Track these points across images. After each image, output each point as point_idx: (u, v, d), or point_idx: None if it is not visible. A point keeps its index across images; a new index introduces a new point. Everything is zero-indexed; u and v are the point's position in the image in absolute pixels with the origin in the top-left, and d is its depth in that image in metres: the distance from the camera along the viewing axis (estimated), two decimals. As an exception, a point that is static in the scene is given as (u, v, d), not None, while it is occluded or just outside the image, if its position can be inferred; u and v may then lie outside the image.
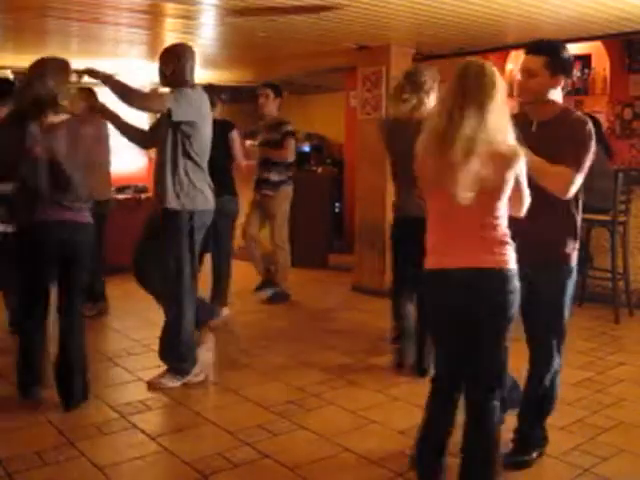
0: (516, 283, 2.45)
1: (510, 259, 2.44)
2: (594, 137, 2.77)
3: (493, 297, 2.44)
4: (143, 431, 3.35)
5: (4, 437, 3.26)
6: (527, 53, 2.86)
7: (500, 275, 2.43)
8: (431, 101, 3.98)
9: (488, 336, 2.48)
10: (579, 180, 2.73)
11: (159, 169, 3.88)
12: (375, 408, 3.63)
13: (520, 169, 2.40)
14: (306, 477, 2.88)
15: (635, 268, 5.64)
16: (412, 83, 3.94)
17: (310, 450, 3.14)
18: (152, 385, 3.94)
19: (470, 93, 2.36)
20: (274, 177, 5.89)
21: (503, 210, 2.44)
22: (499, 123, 2.37)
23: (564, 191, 2.73)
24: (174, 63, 3.87)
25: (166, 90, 3.91)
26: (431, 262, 2.52)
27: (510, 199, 2.44)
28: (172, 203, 3.81)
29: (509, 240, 2.46)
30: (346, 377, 4.12)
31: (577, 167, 2.71)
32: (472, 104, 2.34)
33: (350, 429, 3.38)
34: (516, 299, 2.46)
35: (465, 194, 2.34)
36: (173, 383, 3.93)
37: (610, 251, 5.35)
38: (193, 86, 3.95)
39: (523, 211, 2.51)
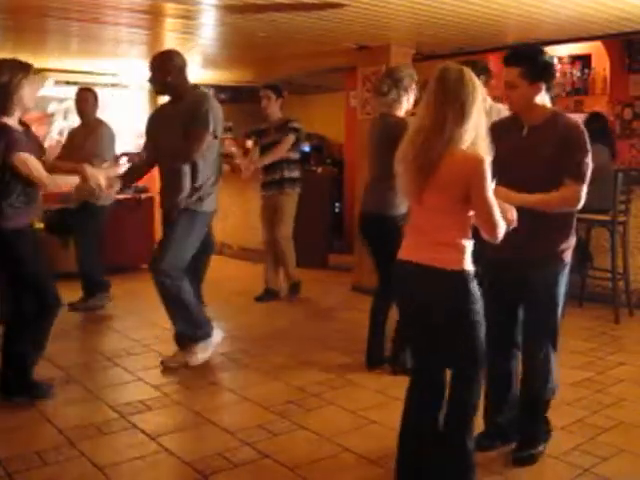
0: (469, 285, 2.46)
1: (462, 262, 2.46)
2: (588, 142, 2.79)
3: (441, 292, 2.49)
4: (143, 431, 3.35)
5: (4, 437, 3.27)
6: (505, 65, 2.87)
7: (448, 275, 2.46)
8: (409, 100, 4.08)
9: (445, 332, 2.53)
10: (585, 189, 2.78)
11: (176, 173, 3.92)
12: (375, 408, 3.63)
13: (481, 178, 2.36)
14: (306, 477, 2.88)
15: (635, 268, 5.63)
16: (391, 78, 4.05)
17: (310, 450, 3.14)
18: (190, 362, 4.13)
19: (450, 96, 2.38)
20: (285, 174, 5.93)
21: (461, 213, 2.45)
22: (477, 129, 2.40)
23: (576, 206, 2.83)
24: (171, 69, 3.89)
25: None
26: (400, 253, 2.61)
27: (475, 216, 2.45)
28: (192, 205, 3.95)
29: (465, 244, 2.47)
30: (346, 377, 4.12)
31: (582, 179, 2.77)
32: (452, 107, 2.38)
33: (350, 429, 3.38)
34: (469, 299, 2.47)
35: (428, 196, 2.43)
36: (204, 353, 4.12)
37: (610, 251, 5.35)
38: (193, 88, 3.96)
39: (497, 234, 2.43)
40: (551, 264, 2.90)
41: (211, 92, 10.89)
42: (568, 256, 2.92)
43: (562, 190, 2.77)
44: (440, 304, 2.50)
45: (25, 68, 3.49)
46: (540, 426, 3.06)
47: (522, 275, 2.91)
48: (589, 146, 2.79)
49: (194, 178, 3.92)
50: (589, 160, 2.78)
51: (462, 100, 2.37)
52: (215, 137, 3.89)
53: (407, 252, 2.58)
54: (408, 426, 2.67)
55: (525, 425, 3.05)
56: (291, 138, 5.85)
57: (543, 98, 2.86)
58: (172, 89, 3.95)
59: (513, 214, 2.55)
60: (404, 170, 2.52)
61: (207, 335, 4.17)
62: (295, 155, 6.01)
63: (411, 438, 2.66)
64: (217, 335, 4.28)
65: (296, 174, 6.01)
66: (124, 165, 4.33)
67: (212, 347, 4.23)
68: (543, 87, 2.82)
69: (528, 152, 2.82)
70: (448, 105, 2.38)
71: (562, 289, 2.93)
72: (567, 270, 2.94)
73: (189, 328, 4.15)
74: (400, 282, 2.63)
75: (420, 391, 2.66)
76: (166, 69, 3.89)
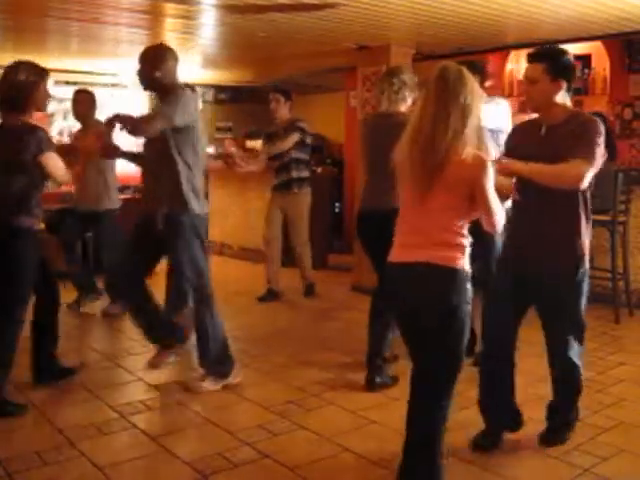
0: (466, 285, 2.47)
1: (462, 261, 2.46)
2: (603, 136, 2.80)
3: (439, 292, 2.46)
4: (143, 431, 3.35)
5: (4, 437, 3.26)
6: (528, 62, 2.92)
7: (449, 273, 2.44)
8: (411, 100, 4.07)
9: (437, 334, 2.51)
10: (590, 172, 2.75)
11: (159, 175, 3.78)
12: (375, 408, 3.63)
13: (486, 177, 2.39)
14: (306, 477, 2.88)
15: (635, 268, 5.63)
16: (398, 78, 4.04)
17: (310, 450, 3.14)
18: (192, 389, 3.87)
19: (452, 95, 2.39)
20: (294, 175, 6.01)
21: (466, 213, 2.46)
22: (478, 127, 2.43)
23: (576, 182, 2.75)
24: (161, 64, 3.76)
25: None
26: (393, 255, 2.58)
27: (477, 210, 2.46)
28: (185, 211, 3.75)
29: (466, 244, 2.48)
30: (346, 377, 4.12)
31: (589, 159, 2.74)
32: (454, 106, 2.39)
33: (350, 429, 3.38)
34: (465, 299, 2.46)
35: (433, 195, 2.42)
36: (215, 387, 3.89)
37: (610, 251, 5.35)
38: (181, 87, 3.87)
39: (497, 226, 2.46)
40: (571, 269, 2.91)
41: (211, 92, 10.91)
42: (586, 261, 2.93)
43: (568, 163, 2.74)
44: (437, 305, 2.48)
45: (42, 71, 3.57)
46: (574, 413, 3.18)
47: (543, 276, 2.93)
48: (602, 136, 2.79)
49: (178, 179, 3.72)
50: (600, 151, 2.77)
51: (464, 98, 2.38)
52: (176, 128, 3.66)
53: (404, 254, 2.54)
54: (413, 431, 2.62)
55: (559, 411, 3.16)
56: (295, 136, 5.91)
57: (564, 98, 2.89)
58: (160, 86, 3.80)
59: (512, 185, 2.71)
60: (406, 171, 2.52)
61: (225, 375, 3.94)
62: (303, 155, 6.08)
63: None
64: (235, 377, 3.99)
65: (305, 174, 6.11)
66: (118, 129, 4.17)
67: (223, 383, 3.94)
68: (564, 86, 2.85)
69: (547, 150, 2.82)
70: (450, 104, 2.38)
71: (585, 290, 2.96)
72: (587, 274, 2.96)
73: (210, 362, 3.93)
74: (397, 284, 2.60)
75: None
76: (155, 64, 3.75)
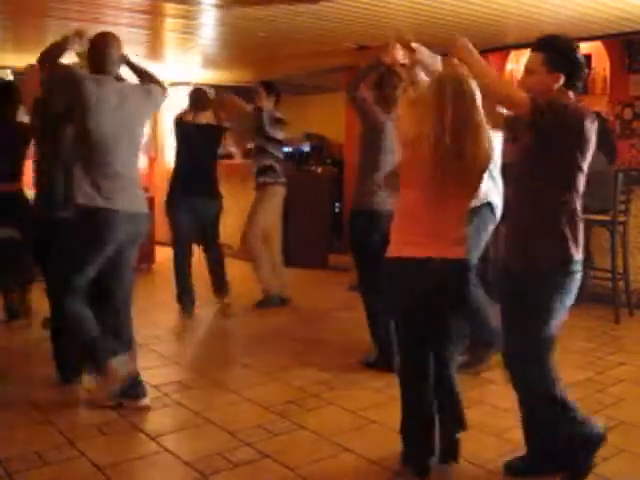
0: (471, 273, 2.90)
1: (466, 252, 2.81)
2: (590, 125, 2.62)
3: (459, 280, 2.76)
4: (143, 431, 3.35)
5: (4, 437, 3.26)
6: (530, 51, 2.81)
7: (466, 264, 2.78)
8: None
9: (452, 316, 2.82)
10: (527, 111, 2.50)
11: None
12: (375, 408, 3.63)
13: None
14: (306, 477, 2.88)
15: (635, 268, 5.64)
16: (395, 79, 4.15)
17: (310, 450, 3.14)
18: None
19: (470, 100, 2.59)
20: (257, 164, 5.88)
21: (469, 207, 2.83)
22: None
23: (495, 94, 2.60)
24: (96, 52, 3.64)
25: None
26: (396, 250, 2.73)
27: None
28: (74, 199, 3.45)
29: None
30: (346, 377, 4.12)
31: (537, 105, 2.50)
32: (473, 108, 2.59)
33: (350, 429, 3.38)
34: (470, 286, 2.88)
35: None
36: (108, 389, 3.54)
37: (610, 251, 5.35)
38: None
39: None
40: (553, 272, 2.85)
41: (211, 92, 10.91)
42: (568, 266, 2.79)
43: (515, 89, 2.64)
44: (454, 291, 2.74)
45: None
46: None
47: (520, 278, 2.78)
48: (590, 124, 2.61)
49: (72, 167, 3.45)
50: (573, 119, 2.58)
51: (477, 99, 2.59)
52: (67, 112, 3.52)
53: (416, 250, 2.67)
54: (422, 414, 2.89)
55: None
56: (248, 106, 5.81)
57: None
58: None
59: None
60: (420, 174, 2.63)
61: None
62: (266, 143, 5.80)
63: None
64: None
65: (268, 162, 5.81)
66: None
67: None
68: (561, 79, 2.68)
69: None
70: (470, 107, 2.58)
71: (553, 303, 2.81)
72: (570, 284, 2.83)
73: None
74: (401, 278, 2.72)
75: (425, 378, 2.92)
76: (93, 51, 3.63)
